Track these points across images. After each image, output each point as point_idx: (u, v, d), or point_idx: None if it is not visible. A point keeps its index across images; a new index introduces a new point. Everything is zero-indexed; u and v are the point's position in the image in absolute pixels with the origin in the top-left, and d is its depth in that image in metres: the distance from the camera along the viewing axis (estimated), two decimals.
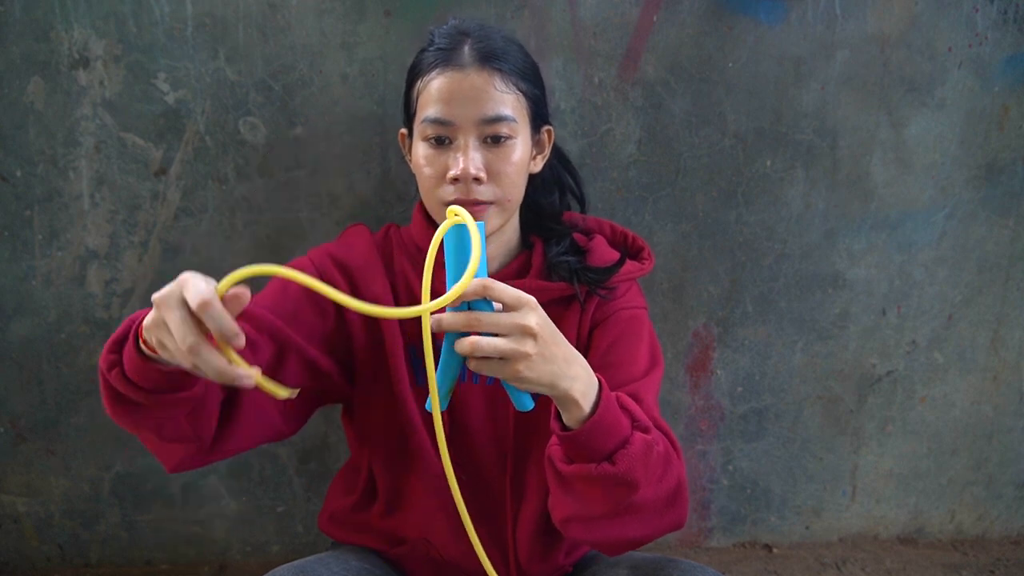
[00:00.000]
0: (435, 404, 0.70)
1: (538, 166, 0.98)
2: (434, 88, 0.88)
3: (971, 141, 1.36)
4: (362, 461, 1.05)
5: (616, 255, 1.01)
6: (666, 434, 0.87)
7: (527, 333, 0.69)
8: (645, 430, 0.81)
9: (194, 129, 1.25)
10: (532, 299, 0.71)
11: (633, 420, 0.81)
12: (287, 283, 0.94)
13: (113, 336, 0.73)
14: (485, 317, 0.68)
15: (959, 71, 1.33)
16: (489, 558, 1.00)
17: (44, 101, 1.23)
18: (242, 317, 0.82)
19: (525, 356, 0.69)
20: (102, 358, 0.74)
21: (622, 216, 1.34)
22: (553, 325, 0.73)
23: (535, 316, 0.70)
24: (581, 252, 1.00)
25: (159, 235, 1.29)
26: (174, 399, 0.73)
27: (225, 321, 0.60)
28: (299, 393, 0.88)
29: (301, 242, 1.31)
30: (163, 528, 1.45)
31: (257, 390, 0.76)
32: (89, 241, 1.29)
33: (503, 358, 0.69)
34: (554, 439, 0.82)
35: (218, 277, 0.62)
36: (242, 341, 0.61)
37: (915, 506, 1.58)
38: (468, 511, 0.99)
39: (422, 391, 0.97)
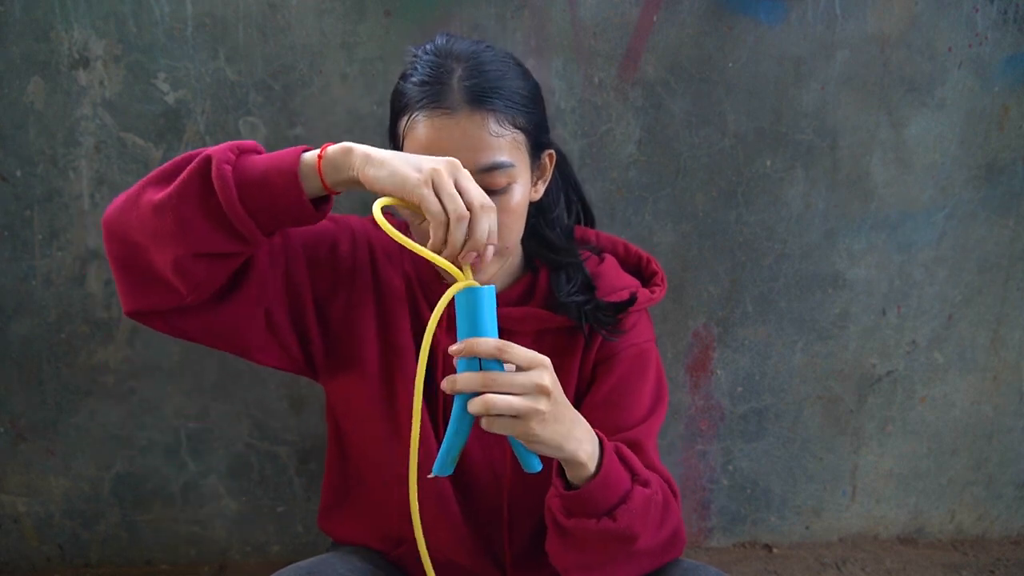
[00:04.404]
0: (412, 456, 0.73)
1: (539, 193, 0.92)
2: (421, 133, 0.80)
3: (971, 141, 1.36)
4: (349, 464, 1.04)
5: (628, 279, 0.97)
6: (665, 479, 0.88)
7: (542, 392, 0.69)
8: (645, 484, 0.82)
9: (194, 129, 1.25)
10: (545, 359, 0.71)
11: (633, 475, 0.81)
12: (320, 231, 0.92)
13: (232, 143, 0.73)
14: (500, 377, 0.68)
15: (959, 71, 1.33)
16: (487, 567, 1.01)
17: (44, 101, 1.23)
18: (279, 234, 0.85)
19: (539, 414, 0.69)
20: (217, 151, 0.72)
21: (622, 216, 1.34)
22: (560, 387, 0.73)
23: (549, 375, 0.70)
24: (591, 287, 0.95)
25: None
26: (248, 229, 0.73)
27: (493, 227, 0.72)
28: (282, 324, 0.88)
29: None
30: (163, 528, 1.45)
31: (260, 286, 0.82)
32: (89, 241, 1.29)
33: (516, 416, 0.69)
34: (552, 490, 0.82)
35: None
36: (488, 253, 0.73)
37: (915, 506, 1.58)
38: (465, 531, 0.99)
39: (430, 397, 0.96)
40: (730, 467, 1.51)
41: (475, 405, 0.69)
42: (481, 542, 1.00)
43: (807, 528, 1.57)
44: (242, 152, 0.74)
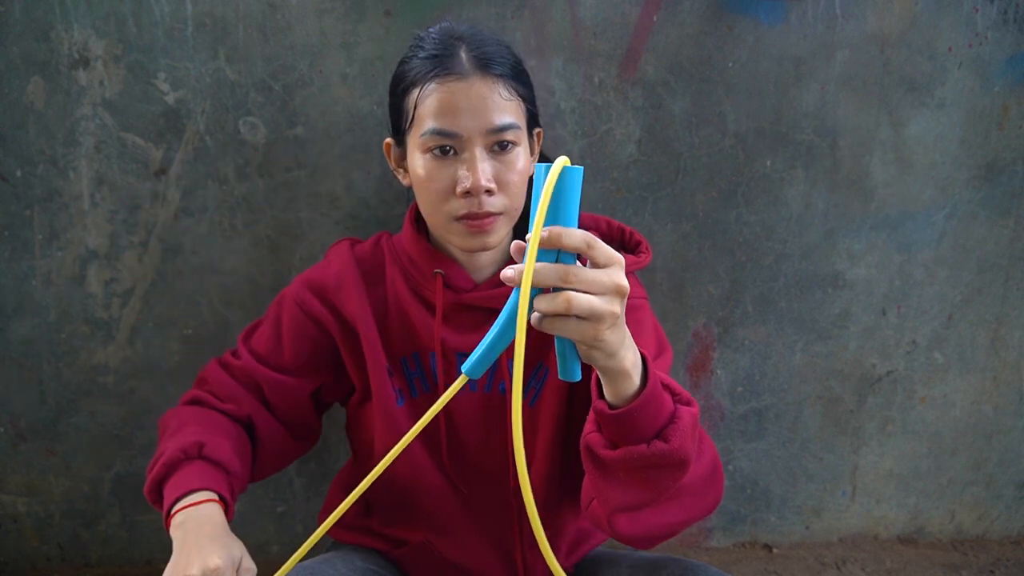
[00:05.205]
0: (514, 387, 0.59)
1: (530, 170, 0.96)
2: (436, 99, 0.84)
3: (971, 141, 1.36)
4: (361, 468, 1.05)
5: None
6: None
7: (619, 293, 0.62)
8: (688, 403, 0.76)
9: (194, 129, 1.25)
10: (621, 257, 0.63)
11: (674, 394, 0.76)
12: (278, 326, 1.01)
13: (151, 482, 0.91)
14: (583, 273, 0.60)
15: (959, 71, 1.33)
16: (497, 566, 1.01)
17: (44, 101, 1.23)
18: (232, 375, 1.01)
19: (613, 317, 0.62)
20: (147, 494, 0.92)
21: (622, 216, 1.34)
22: None
23: (623, 275, 0.63)
24: None
25: (159, 235, 1.30)
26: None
27: None
28: (304, 415, 1.03)
29: (301, 242, 1.31)
30: (163, 528, 1.44)
31: (271, 430, 1.02)
32: (89, 241, 1.29)
33: (586, 319, 0.61)
34: (589, 426, 0.76)
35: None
36: None
37: (915, 506, 1.58)
38: (472, 522, 0.99)
39: (406, 409, 0.97)
40: (730, 467, 1.51)
41: (555, 303, 0.59)
42: (492, 542, 1.00)
43: (807, 528, 1.57)
44: (161, 490, 0.91)
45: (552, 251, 0.60)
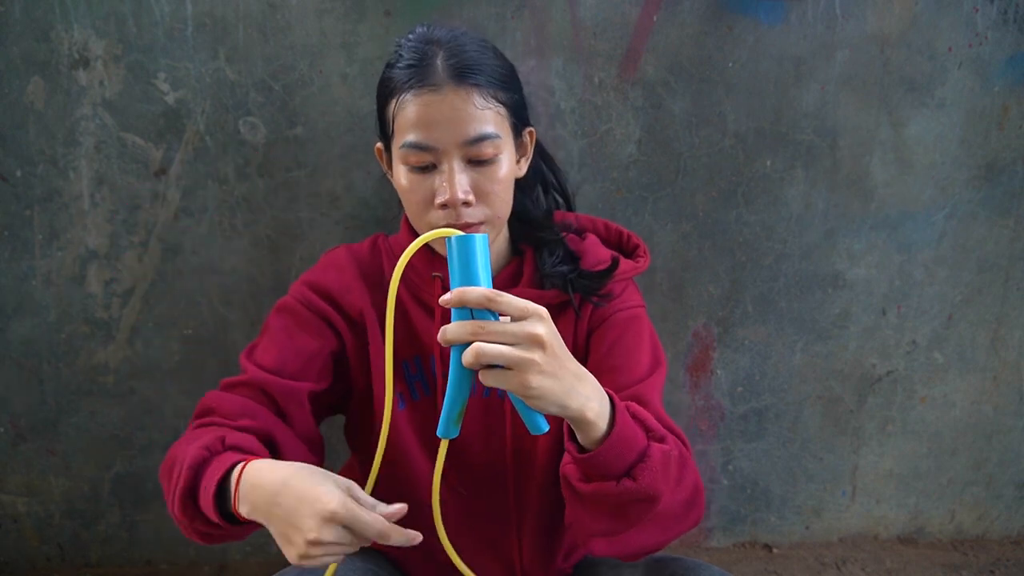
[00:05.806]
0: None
1: (523, 170, 0.95)
2: (411, 112, 0.84)
3: (971, 141, 1.36)
4: (363, 470, 1.06)
5: (610, 254, 0.99)
6: (676, 434, 0.86)
7: (535, 342, 0.66)
8: (661, 440, 0.80)
9: (194, 129, 1.25)
10: (542, 309, 0.68)
11: (647, 430, 0.79)
12: (280, 332, 0.97)
13: (181, 490, 0.78)
14: (491, 325, 0.66)
15: (959, 71, 1.33)
16: (495, 567, 1.01)
17: (44, 101, 1.23)
18: (245, 386, 0.92)
19: (533, 364, 0.66)
20: (178, 512, 0.80)
21: (622, 216, 1.34)
22: (562, 341, 0.71)
23: (543, 326, 0.67)
24: (575, 259, 0.97)
25: (159, 235, 1.30)
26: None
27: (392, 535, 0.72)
28: (314, 424, 0.97)
29: (301, 242, 1.31)
30: (163, 528, 1.45)
31: (293, 445, 0.91)
32: (89, 241, 1.29)
33: (510, 368, 0.66)
34: (567, 457, 0.80)
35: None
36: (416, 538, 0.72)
37: (915, 506, 1.58)
38: (471, 524, 0.99)
39: (407, 412, 0.97)
40: (730, 467, 1.51)
41: (467, 356, 0.66)
42: (490, 545, 1.00)
43: (807, 528, 1.57)
44: (194, 498, 0.80)
45: (466, 310, 0.67)
